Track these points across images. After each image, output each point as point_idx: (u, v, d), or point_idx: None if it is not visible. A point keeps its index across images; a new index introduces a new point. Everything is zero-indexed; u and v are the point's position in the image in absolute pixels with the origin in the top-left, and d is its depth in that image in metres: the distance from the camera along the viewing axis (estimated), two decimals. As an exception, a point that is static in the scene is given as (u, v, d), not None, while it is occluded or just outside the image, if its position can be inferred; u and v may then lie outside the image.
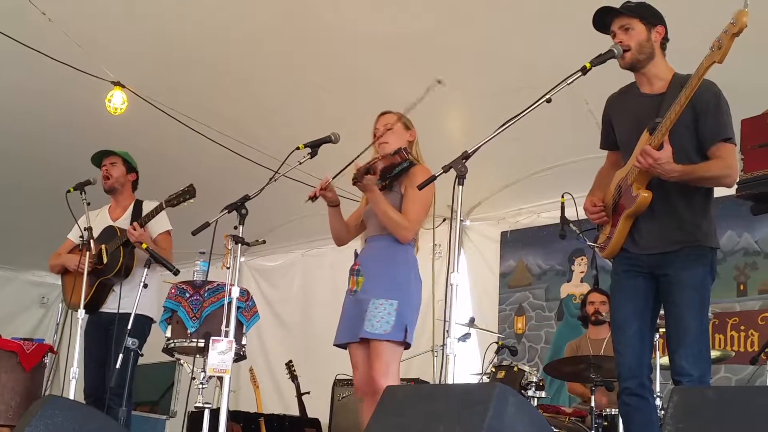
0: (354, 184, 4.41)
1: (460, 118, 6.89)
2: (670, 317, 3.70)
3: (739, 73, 5.04)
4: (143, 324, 5.39)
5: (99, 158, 5.87)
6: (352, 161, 4.35)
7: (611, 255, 3.91)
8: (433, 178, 3.59)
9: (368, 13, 5.63)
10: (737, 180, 4.18)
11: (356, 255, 4.53)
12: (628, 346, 3.78)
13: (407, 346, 4.31)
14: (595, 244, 4.03)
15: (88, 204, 5.42)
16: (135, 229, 5.35)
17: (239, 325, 4.52)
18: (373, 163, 4.33)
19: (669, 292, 3.71)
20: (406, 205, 4.38)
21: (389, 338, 4.19)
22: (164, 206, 5.36)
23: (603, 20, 3.84)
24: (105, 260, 5.46)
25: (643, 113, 3.75)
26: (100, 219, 5.78)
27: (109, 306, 5.56)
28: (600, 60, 3.63)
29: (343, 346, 4.47)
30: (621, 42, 3.74)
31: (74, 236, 5.83)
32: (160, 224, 5.66)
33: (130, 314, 5.00)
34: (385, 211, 4.37)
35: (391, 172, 4.41)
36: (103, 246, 5.48)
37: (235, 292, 4.24)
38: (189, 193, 5.25)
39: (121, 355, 4.83)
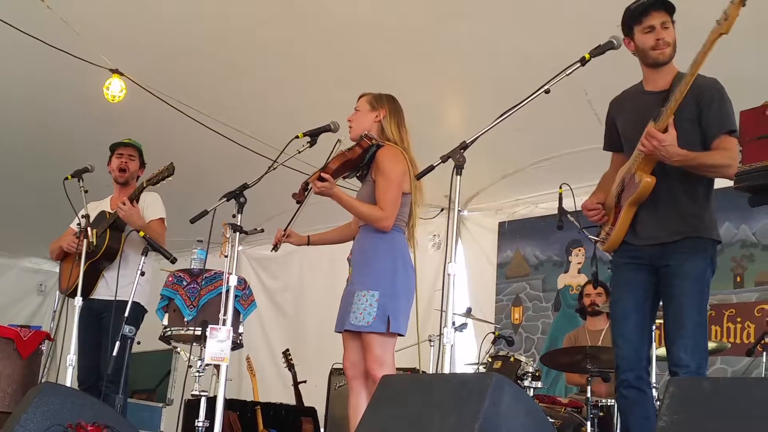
0: (297, 199, 4.43)
1: (458, 109, 6.89)
2: (669, 308, 3.71)
3: (740, 65, 5.05)
4: (138, 312, 5.40)
5: (118, 145, 5.87)
6: (331, 153, 4.37)
7: (613, 247, 3.92)
8: (431, 168, 3.59)
9: (369, 3, 5.62)
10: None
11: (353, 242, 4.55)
12: (627, 339, 3.80)
13: (398, 334, 4.30)
14: (596, 237, 4.04)
15: (86, 191, 5.41)
16: (124, 204, 5.36)
17: (236, 313, 4.51)
18: (325, 170, 4.29)
19: (669, 283, 3.72)
20: (378, 194, 4.32)
21: (372, 330, 4.19)
22: (145, 185, 5.38)
23: (640, 11, 3.81)
24: (94, 242, 5.45)
25: (647, 109, 3.78)
26: (101, 209, 5.79)
27: (100, 293, 5.55)
28: (599, 51, 3.63)
29: None
30: (663, 38, 3.75)
31: (75, 224, 5.84)
32: (154, 211, 5.66)
33: (123, 301, 5.01)
34: (356, 209, 4.37)
35: (362, 161, 4.39)
36: (94, 230, 5.48)
37: (233, 281, 4.24)
38: (168, 170, 5.26)
39: (117, 343, 4.83)
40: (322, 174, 4.24)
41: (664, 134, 3.57)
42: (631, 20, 3.83)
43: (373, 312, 4.18)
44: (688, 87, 3.54)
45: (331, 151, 4.37)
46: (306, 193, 4.37)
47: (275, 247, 4.82)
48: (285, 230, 4.76)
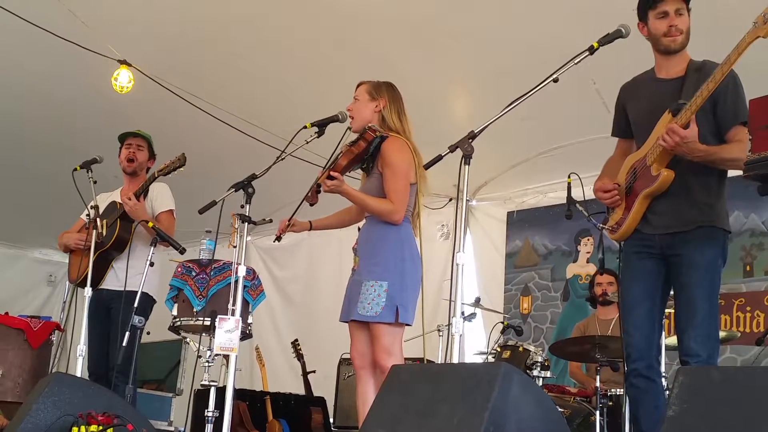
0: (311, 202, 4.44)
1: (466, 99, 6.88)
2: (680, 298, 3.70)
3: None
4: (147, 302, 5.41)
5: (127, 136, 5.87)
6: (337, 147, 4.38)
7: (624, 237, 3.89)
8: (439, 157, 3.58)
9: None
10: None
11: (359, 232, 4.55)
12: (638, 328, 3.79)
13: (406, 324, 4.31)
14: (605, 226, 4.02)
15: (95, 182, 5.42)
16: (130, 199, 5.37)
17: (245, 303, 4.53)
18: (334, 168, 4.29)
19: (680, 272, 3.71)
20: (386, 186, 4.32)
21: (380, 320, 4.20)
22: (156, 175, 5.38)
23: None
24: (104, 233, 5.46)
25: (661, 98, 3.75)
26: (111, 200, 5.79)
27: (109, 283, 5.57)
28: (607, 39, 3.61)
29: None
30: (675, 25, 3.73)
31: (85, 215, 5.84)
32: (163, 203, 5.67)
33: (132, 291, 5.02)
34: (366, 204, 4.37)
35: (367, 153, 4.37)
36: (104, 221, 5.49)
37: (242, 271, 4.25)
38: (180, 161, 5.27)
39: (126, 333, 4.85)
40: (332, 173, 4.25)
41: (686, 131, 3.52)
42: (646, 4, 3.81)
43: (382, 302, 4.19)
44: (717, 85, 3.48)
45: (339, 142, 4.37)
46: (318, 194, 4.38)
47: (278, 238, 4.80)
48: (290, 220, 4.72)
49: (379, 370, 4.17)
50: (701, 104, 3.52)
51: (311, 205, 4.47)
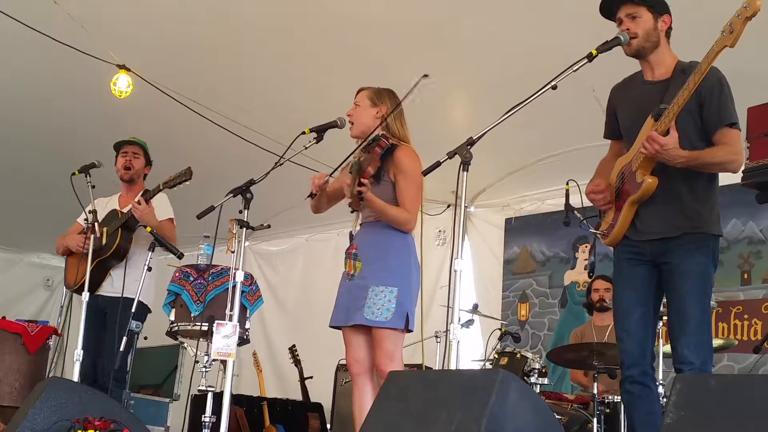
0: (354, 208, 4.45)
1: (465, 105, 6.88)
2: (672, 306, 3.69)
3: (746, 60, 5.04)
4: (143, 308, 5.40)
5: (122, 144, 5.86)
6: (354, 152, 4.36)
7: (614, 242, 3.90)
8: (438, 164, 3.58)
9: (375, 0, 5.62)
10: (743, 167, 4.16)
11: (351, 237, 4.52)
12: (631, 335, 3.78)
13: (409, 331, 4.32)
14: (598, 231, 4.02)
15: (93, 187, 5.41)
16: (140, 204, 5.36)
17: (243, 309, 4.52)
18: (363, 175, 4.26)
19: (670, 280, 3.70)
20: (402, 195, 4.34)
21: (390, 326, 4.20)
22: (161, 188, 5.37)
23: (610, 6, 3.83)
24: (104, 241, 5.46)
25: (647, 100, 3.74)
26: (109, 206, 5.80)
27: (106, 290, 5.56)
28: (606, 47, 3.62)
29: (338, 328, 4.48)
30: (628, 29, 3.72)
31: (82, 219, 5.84)
32: (163, 211, 5.66)
33: (128, 298, 5.01)
34: (386, 212, 4.32)
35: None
36: (105, 228, 5.49)
37: (240, 276, 4.25)
38: (186, 175, 5.25)
39: (124, 339, 4.84)
40: (362, 179, 4.22)
41: (665, 138, 3.51)
42: (608, 17, 3.84)
43: (392, 308, 4.19)
44: (691, 94, 3.48)
45: (355, 149, 4.35)
46: (361, 201, 4.33)
47: (312, 195, 4.54)
48: (330, 175, 4.53)
49: (380, 375, 4.17)
50: (678, 112, 3.51)
51: (354, 212, 4.49)
